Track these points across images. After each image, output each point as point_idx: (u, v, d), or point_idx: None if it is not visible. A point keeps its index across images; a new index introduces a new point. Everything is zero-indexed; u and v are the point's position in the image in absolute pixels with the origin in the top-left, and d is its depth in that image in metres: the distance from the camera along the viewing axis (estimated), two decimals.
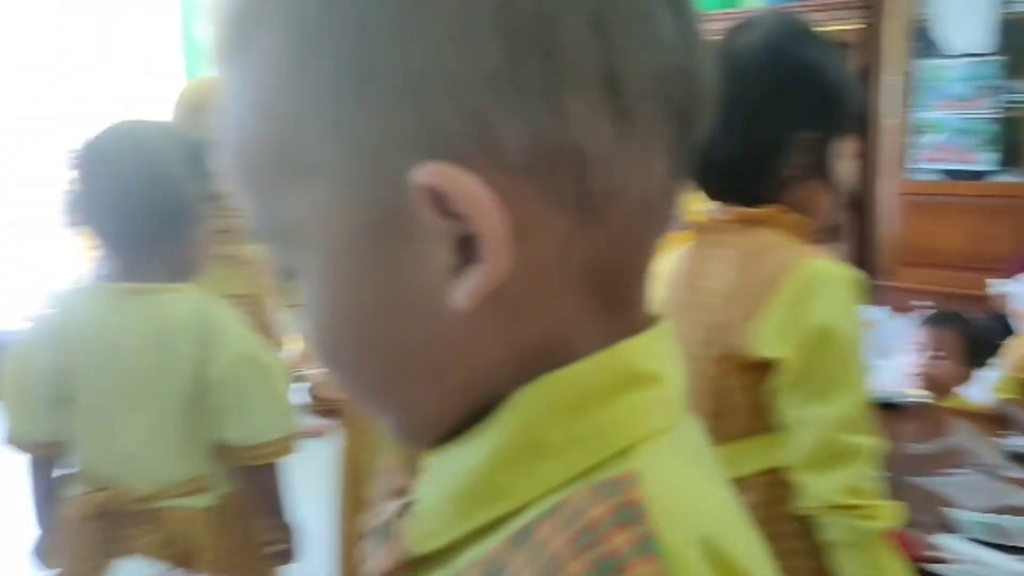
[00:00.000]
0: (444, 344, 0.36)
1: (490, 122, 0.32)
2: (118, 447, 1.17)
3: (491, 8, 0.32)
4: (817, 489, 0.95)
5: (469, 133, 0.32)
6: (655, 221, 0.38)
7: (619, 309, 0.38)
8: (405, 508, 0.39)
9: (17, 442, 1.23)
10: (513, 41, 0.32)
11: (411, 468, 0.41)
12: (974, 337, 2.16)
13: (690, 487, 0.36)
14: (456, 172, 0.32)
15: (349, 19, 0.33)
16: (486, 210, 0.32)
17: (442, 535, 0.37)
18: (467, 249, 0.33)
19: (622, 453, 0.35)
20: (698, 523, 0.33)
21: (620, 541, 0.31)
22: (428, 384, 0.37)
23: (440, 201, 0.32)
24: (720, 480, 0.39)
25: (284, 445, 1.22)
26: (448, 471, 0.37)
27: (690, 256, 1.09)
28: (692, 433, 0.39)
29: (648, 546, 0.31)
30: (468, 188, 0.32)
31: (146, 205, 1.13)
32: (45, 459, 1.24)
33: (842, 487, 0.94)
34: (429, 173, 0.32)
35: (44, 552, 1.27)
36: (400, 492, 0.41)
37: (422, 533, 0.37)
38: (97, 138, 1.20)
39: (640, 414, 0.36)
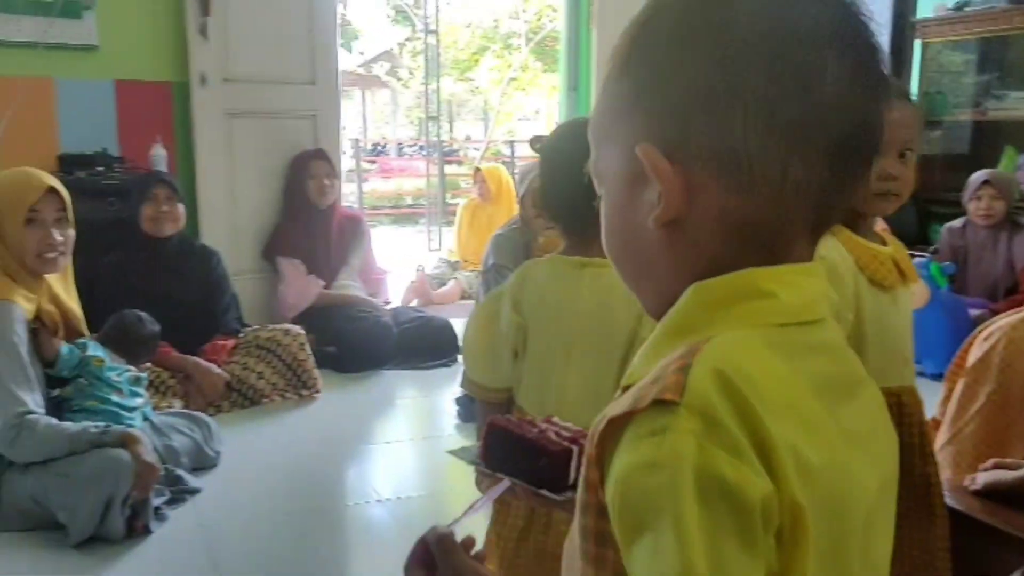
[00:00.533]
0: (652, 254, 0.58)
1: (688, 126, 0.54)
2: (554, 395, 1.29)
3: (707, 65, 0.54)
4: None
5: (676, 131, 0.55)
6: (810, 201, 0.55)
7: (771, 256, 0.56)
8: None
9: (473, 387, 1.40)
10: (709, 83, 0.53)
11: None
12: None
13: (741, 347, 0.52)
14: (652, 150, 0.55)
15: (639, 65, 0.58)
16: (663, 174, 0.55)
17: (638, 374, 0.56)
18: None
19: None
20: (723, 363, 0.50)
21: (676, 364, 0.51)
22: (646, 278, 0.61)
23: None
24: (795, 366, 0.54)
25: None
26: (650, 338, 0.59)
27: None
28: (801, 334, 0.56)
29: (684, 369, 0.50)
30: (656, 160, 0.55)
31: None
32: (497, 402, 1.38)
33: None
34: (640, 148, 0.55)
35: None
36: None
37: (628, 374, 0.58)
38: (556, 135, 1.35)
39: (748, 315, 0.54)
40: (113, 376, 2.45)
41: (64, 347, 2.38)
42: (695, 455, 0.47)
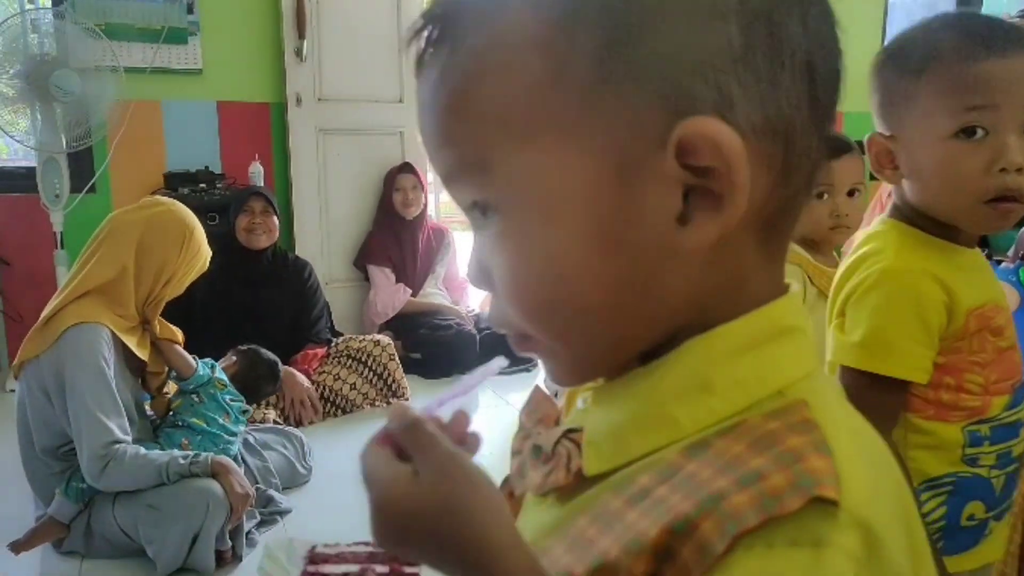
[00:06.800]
0: (652, 280, 0.35)
1: (729, 93, 0.32)
2: None
3: (733, 3, 0.33)
4: None
5: (712, 101, 0.32)
6: (811, 187, 0.37)
7: (777, 260, 0.37)
8: (566, 435, 0.39)
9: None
10: (748, 30, 0.33)
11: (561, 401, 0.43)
12: None
13: (848, 416, 0.36)
14: (721, 126, 0.32)
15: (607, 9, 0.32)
16: (739, 161, 0.32)
17: (615, 459, 0.36)
18: (694, 198, 0.33)
19: (780, 392, 0.35)
20: (859, 443, 0.34)
21: (797, 442, 0.32)
22: (625, 315, 0.36)
23: (685, 154, 0.32)
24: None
25: None
26: (620, 403, 0.37)
27: None
28: (827, 375, 0.39)
29: (822, 447, 0.32)
30: (721, 135, 0.32)
31: None
32: None
33: None
34: (694, 126, 0.32)
35: None
36: (549, 420, 0.42)
37: (595, 457, 0.37)
38: None
39: (788, 361, 0.36)
40: (227, 399, 2.11)
41: (201, 364, 2.07)
42: None
